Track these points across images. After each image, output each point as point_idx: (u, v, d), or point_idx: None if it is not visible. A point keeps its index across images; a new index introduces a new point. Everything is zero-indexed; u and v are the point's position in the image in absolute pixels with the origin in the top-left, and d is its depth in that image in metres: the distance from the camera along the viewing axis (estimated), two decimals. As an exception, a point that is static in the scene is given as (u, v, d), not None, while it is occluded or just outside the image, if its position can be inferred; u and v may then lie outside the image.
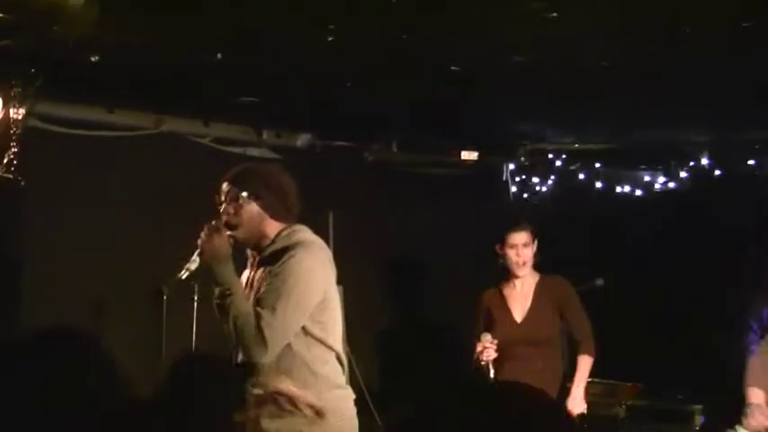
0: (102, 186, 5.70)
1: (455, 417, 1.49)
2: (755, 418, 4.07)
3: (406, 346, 7.07)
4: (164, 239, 5.42)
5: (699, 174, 7.05)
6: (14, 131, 5.02)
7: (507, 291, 5.55)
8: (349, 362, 3.98)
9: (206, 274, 3.70)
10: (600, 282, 6.00)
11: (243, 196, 3.74)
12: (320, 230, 3.96)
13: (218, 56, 4.64)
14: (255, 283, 3.76)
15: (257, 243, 3.79)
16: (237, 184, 3.77)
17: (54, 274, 5.40)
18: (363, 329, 6.38)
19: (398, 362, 7.01)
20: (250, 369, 3.67)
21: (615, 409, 6.24)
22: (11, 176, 5.03)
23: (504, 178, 7.59)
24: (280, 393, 3.66)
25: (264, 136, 6.55)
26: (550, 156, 7.38)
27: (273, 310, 3.58)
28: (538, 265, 5.52)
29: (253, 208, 3.75)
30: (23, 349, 1.76)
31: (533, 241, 5.46)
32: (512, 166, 7.58)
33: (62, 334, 1.79)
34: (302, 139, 6.73)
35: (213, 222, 3.69)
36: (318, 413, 3.65)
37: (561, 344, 5.50)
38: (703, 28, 4.20)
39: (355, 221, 6.43)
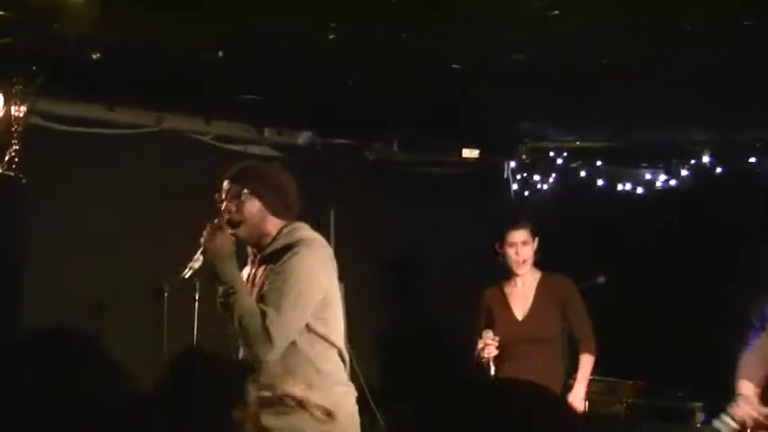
0: (102, 184, 5.70)
1: (456, 415, 1.50)
2: (741, 408, 4.16)
3: (407, 344, 7.05)
4: (165, 237, 5.42)
5: (700, 172, 7.04)
6: (16, 129, 5.03)
7: (508, 289, 5.54)
8: (350, 360, 3.97)
9: (208, 272, 3.71)
10: (601, 279, 5.98)
11: (245, 193, 3.75)
12: (321, 228, 3.95)
13: (220, 54, 4.65)
14: (257, 281, 3.77)
15: (258, 241, 3.80)
16: (238, 181, 3.78)
17: (54, 272, 5.38)
18: (364, 327, 6.38)
19: (399, 360, 7.00)
20: (252, 367, 3.69)
21: (616, 406, 6.23)
22: (12, 174, 5.03)
23: (506, 176, 7.59)
24: (288, 396, 3.66)
25: (266, 134, 6.56)
26: (551, 154, 7.38)
27: (278, 308, 3.58)
28: (539, 263, 5.52)
29: (254, 205, 3.76)
30: (24, 348, 1.76)
31: (533, 239, 5.45)
32: (513, 164, 7.58)
33: (62, 333, 1.80)
34: (303, 137, 6.73)
35: (216, 221, 3.70)
36: (329, 414, 3.66)
37: (562, 342, 5.49)
38: (704, 27, 4.21)
39: (356, 219, 6.43)
